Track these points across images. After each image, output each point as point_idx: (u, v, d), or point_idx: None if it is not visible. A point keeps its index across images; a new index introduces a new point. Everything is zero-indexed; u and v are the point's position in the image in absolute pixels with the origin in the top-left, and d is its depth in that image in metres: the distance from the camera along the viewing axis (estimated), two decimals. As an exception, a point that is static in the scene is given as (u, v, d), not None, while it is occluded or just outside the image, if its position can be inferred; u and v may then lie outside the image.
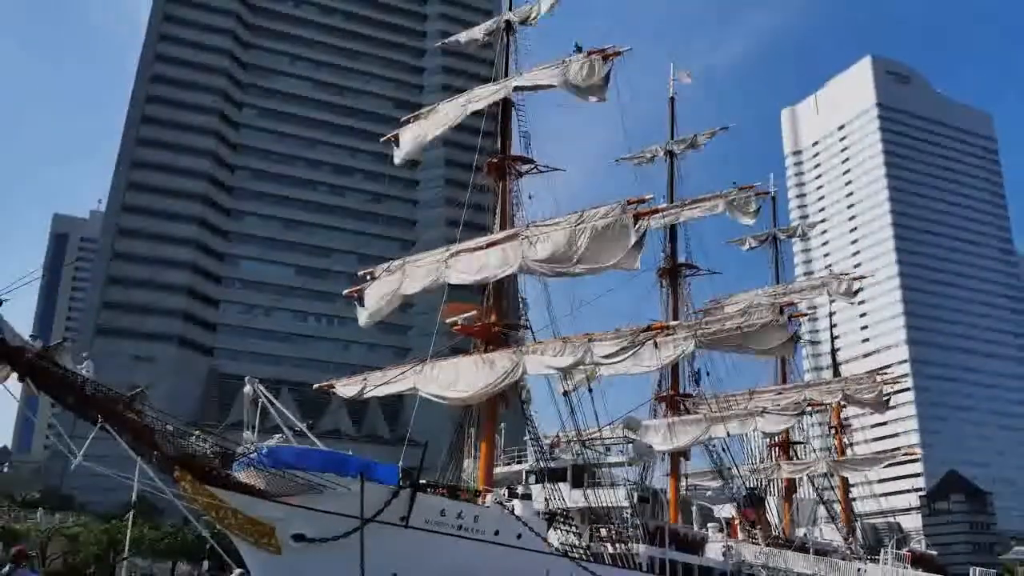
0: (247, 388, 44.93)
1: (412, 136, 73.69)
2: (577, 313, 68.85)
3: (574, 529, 62.55)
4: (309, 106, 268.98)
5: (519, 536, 53.50)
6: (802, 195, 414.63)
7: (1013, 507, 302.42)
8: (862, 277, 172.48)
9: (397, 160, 75.83)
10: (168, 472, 42.34)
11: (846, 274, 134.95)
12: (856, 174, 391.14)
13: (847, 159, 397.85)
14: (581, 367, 66.84)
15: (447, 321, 66.23)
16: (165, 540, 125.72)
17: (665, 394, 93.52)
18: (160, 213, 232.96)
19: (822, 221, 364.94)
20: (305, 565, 43.36)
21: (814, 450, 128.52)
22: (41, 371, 38.00)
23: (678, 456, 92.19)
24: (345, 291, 75.35)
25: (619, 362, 63.53)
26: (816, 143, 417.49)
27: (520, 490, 60.76)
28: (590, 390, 72.72)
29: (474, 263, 64.65)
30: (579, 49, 67.36)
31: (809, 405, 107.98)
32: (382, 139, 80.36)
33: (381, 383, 65.57)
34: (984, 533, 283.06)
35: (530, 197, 69.73)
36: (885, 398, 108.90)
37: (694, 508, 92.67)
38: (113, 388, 40.97)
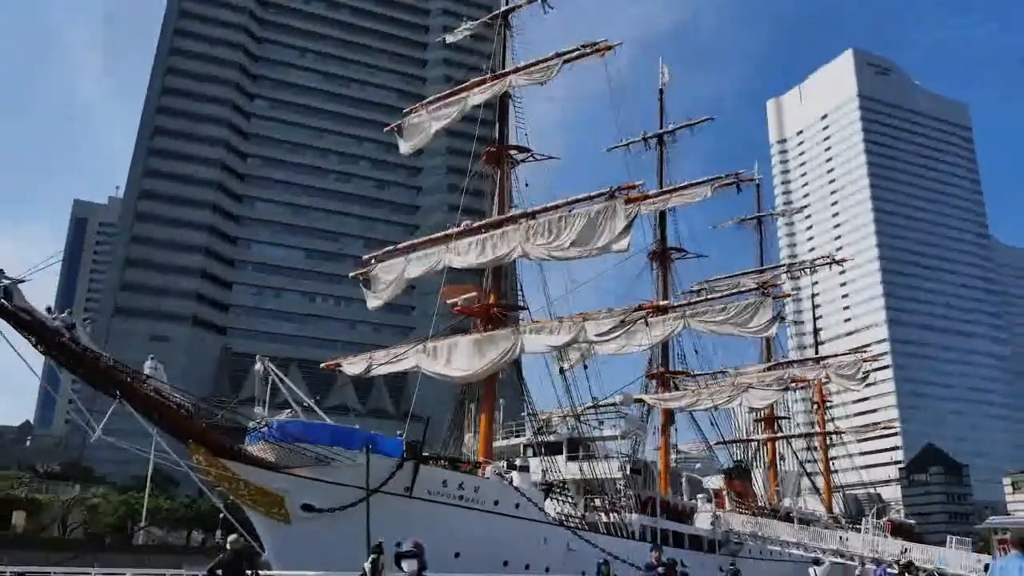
0: (258, 366, 45.06)
1: (416, 129, 73.74)
2: (572, 295, 69.09)
3: (570, 499, 62.84)
4: (317, 97, 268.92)
5: (517, 506, 53.68)
6: (787, 181, 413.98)
7: (988, 479, 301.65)
8: (843, 260, 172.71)
9: (404, 151, 76.00)
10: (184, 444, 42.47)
11: (827, 256, 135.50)
12: (838, 162, 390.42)
13: (830, 147, 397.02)
14: (576, 345, 66.89)
15: (448, 302, 66.44)
16: (180, 510, 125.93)
17: (656, 372, 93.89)
18: (175, 199, 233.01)
19: (806, 206, 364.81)
20: (313, 534, 43.45)
21: (798, 424, 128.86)
22: (65, 350, 38.05)
23: (668, 430, 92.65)
24: (352, 273, 75.83)
25: (612, 340, 63.69)
26: (800, 132, 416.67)
27: (518, 462, 60.98)
28: (585, 367, 72.92)
29: (474, 247, 64.78)
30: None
31: (793, 381, 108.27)
32: (386, 129, 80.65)
33: (386, 361, 65.76)
34: (960, 503, 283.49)
35: (527, 184, 69.99)
36: (863, 374, 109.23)
37: (684, 479, 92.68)
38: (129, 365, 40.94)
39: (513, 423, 75.08)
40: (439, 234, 69.77)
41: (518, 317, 67.47)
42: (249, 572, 30.40)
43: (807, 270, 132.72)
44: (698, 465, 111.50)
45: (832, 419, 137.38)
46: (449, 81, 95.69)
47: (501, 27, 74.53)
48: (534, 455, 67.39)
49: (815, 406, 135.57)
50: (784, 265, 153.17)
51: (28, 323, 35.81)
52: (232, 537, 28.73)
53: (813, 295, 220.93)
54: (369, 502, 44.31)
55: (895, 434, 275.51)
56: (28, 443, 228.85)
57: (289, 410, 45.84)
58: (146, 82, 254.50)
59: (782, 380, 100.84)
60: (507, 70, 71.11)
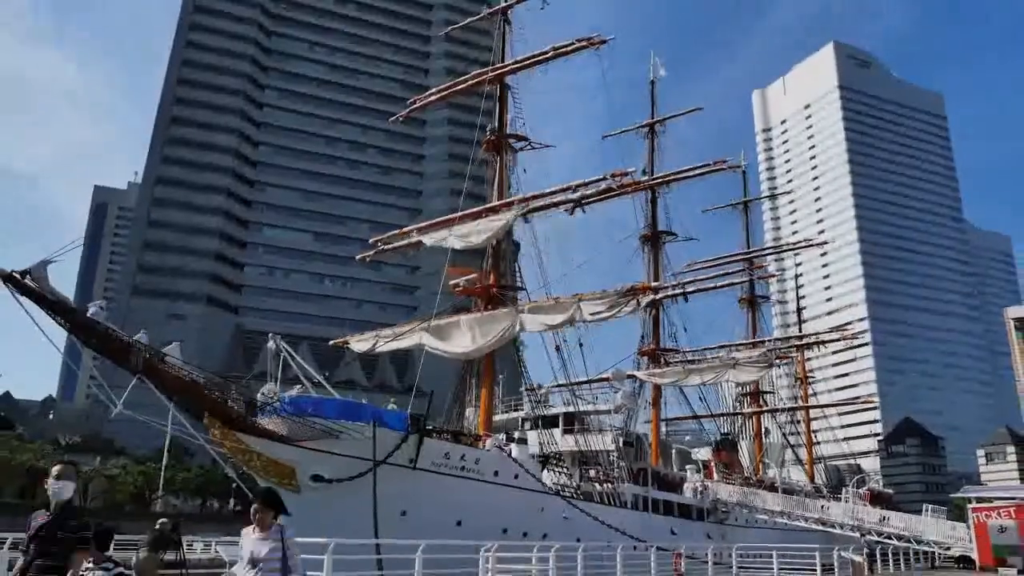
0: (270, 344, 45.14)
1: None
2: (569, 271, 69.47)
3: (566, 470, 62.91)
4: (326, 88, 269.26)
5: (516, 477, 53.76)
6: (771, 168, 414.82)
7: (962, 450, 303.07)
8: (825, 242, 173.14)
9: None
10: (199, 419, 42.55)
11: (809, 239, 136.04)
12: (820, 149, 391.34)
13: (812, 136, 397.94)
14: (571, 324, 66.90)
15: (450, 283, 66.52)
16: (195, 480, 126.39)
17: (647, 349, 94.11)
18: (191, 185, 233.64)
19: (789, 192, 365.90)
20: (323, 503, 43.38)
21: (782, 399, 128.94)
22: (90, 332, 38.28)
23: (659, 406, 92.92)
24: (359, 255, 76.07)
25: (605, 319, 63.64)
26: (784, 121, 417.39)
27: (517, 435, 61.01)
28: (580, 345, 72.94)
29: (475, 228, 64.96)
30: None
31: (777, 358, 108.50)
32: (391, 119, 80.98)
33: (391, 339, 65.83)
34: (936, 474, 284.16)
35: (524, 171, 70.22)
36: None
37: (674, 451, 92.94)
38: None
39: (512, 398, 75.22)
40: (442, 219, 70.11)
41: (516, 297, 67.56)
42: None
43: (791, 252, 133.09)
44: (687, 437, 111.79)
45: (814, 394, 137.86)
46: (451, 73, 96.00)
47: (501, 22, 74.66)
48: (532, 428, 67.47)
49: (798, 381, 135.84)
50: (769, 247, 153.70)
51: (54, 303, 36.07)
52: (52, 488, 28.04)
53: (796, 275, 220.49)
54: (375, 473, 44.52)
55: (874, 408, 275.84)
56: (51, 416, 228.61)
57: (300, 385, 46.00)
58: (163, 74, 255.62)
59: (767, 356, 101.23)
60: (506, 63, 71.34)
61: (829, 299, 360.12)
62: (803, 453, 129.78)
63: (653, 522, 68.28)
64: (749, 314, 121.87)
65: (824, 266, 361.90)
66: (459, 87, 74.40)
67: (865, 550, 63.74)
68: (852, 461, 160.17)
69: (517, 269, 69.65)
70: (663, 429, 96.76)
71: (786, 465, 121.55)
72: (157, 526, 29.43)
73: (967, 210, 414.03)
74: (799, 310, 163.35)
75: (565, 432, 69.80)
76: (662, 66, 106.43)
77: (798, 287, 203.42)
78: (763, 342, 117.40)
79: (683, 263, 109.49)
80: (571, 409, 71.74)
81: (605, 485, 66.12)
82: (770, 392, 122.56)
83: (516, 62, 70.48)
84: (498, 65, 71.47)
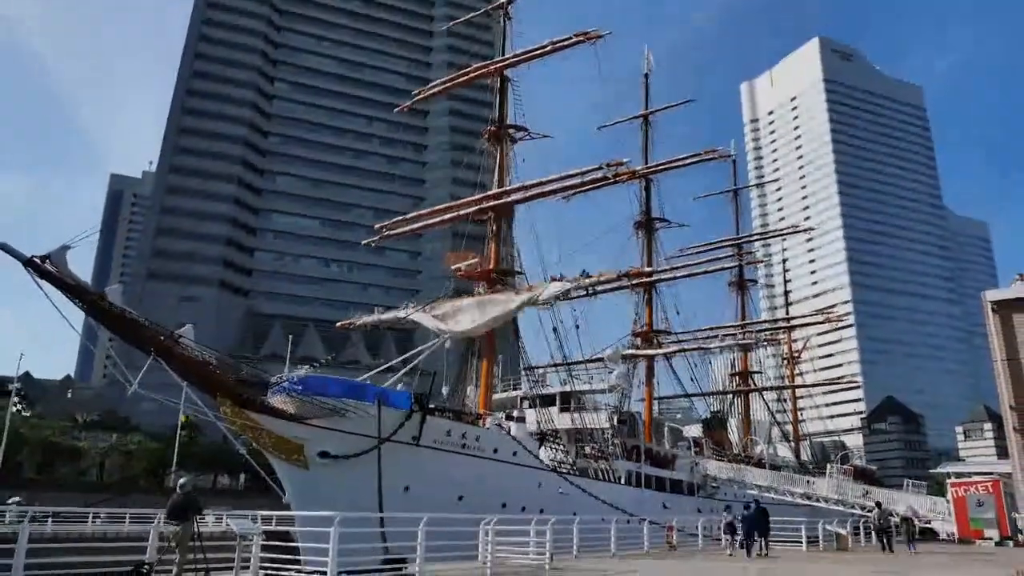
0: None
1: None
2: (565, 256, 69.54)
3: (562, 447, 63.08)
4: (333, 81, 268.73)
5: (515, 453, 53.87)
6: (759, 158, 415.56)
7: (942, 428, 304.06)
8: (810, 228, 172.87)
9: None
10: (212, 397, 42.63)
11: (795, 225, 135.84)
12: (806, 139, 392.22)
13: (798, 126, 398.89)
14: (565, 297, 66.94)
15: (452, 267, 66.64)
16: (211, 457, 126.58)
17: (641, 331, 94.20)
18: (203, 173, 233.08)
19: (776, 180, 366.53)
20: (330, 478, 43.56)
21: (769, 379, 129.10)
22: (108, 314, 38.42)
23: (652, 384, 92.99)
24: (364, 240, 76.24)
25: (600, 293, 63.96)
26: (771, 112, 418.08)
27: (515, 414, 61.08)
28: (577, 327, 73.10)
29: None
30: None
31: (765, 340, 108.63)
32: (395, 110, 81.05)
33: (395, 320, 65.91)
34: (917, 450, 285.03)
35: (523, 160, 70.37)
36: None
37: (666, 429, 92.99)
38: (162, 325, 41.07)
39: (511, 378, 75.28)
40: (446, 204, 70.30)
41: (515, 282, 67.61)
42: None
43: (778, 238, 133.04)
44: (679, 416, 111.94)
45: (800, 373, 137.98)
46: (452, 66, 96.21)
47: (502, 16, 74.66)
48: (530, 407, 67.59)
49: (785, 361, 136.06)
50: (757, 233, 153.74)
51: (72, 287, 36.22)
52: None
53: (783, 260, 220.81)
54: (380, 450, 44.58)
55: (858, 387, 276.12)
56: (70, 395, 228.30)
57: (307, 366, 46.04)
58: (177, 67, 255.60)
59: (755, 337, 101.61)
60: (506, 56, 71.40)
61: (814, 283, 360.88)
62: (789, 431, 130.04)
63: (646, 497, 68.48)
64: (738, 297, 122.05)
65: (810, 251, 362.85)
66: (461, 79, 74.71)
67: (849, 523, 63.87)
68: (836, 438, 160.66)
69: (516, 254, 69.72)
70: (656, 408, 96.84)
71: (773, 442, 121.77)
72: (179, 490, 29.26)
73: (946, 197, 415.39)
74: (786, 293, 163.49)
75: (562, 410, 70.04)
76: (653, 60, 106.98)
77: (785, 271, 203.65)
78: (751, 324, 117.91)
79: (675, 248, 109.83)
80: (568, 388, 71.91)
81: (600, 462, 66.32)
82: (758, 372, 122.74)
83: (515, 56, 70.71)
84: (498, 59, 71.63)
